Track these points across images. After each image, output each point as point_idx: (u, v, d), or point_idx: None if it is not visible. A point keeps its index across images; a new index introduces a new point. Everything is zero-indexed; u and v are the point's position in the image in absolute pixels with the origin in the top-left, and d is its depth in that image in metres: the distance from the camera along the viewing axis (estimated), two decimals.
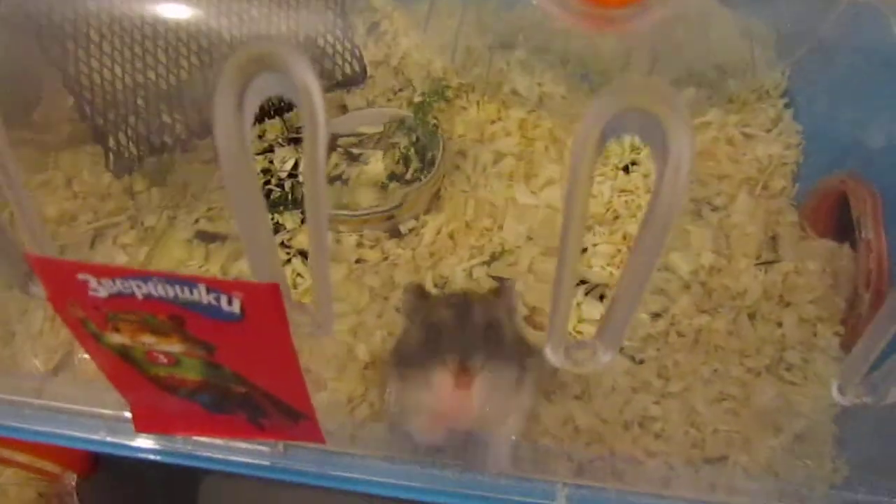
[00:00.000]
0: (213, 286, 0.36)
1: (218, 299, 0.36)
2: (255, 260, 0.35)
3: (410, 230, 0.83)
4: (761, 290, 0.76)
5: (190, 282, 0.36)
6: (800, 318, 0.74)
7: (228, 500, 0.81)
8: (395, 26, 1.03)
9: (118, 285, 0.37)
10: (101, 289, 0.37)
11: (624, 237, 0.80)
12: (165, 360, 0.43)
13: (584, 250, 0.80)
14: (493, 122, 0.93)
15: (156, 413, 0.49)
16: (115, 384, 0.46)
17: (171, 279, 0.36)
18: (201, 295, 0.36)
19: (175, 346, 0.41)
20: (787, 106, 0.92)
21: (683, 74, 0.94)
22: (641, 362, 0.72)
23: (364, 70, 0.90)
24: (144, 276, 0.36)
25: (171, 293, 0.37)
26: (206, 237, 0.82)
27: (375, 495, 0.54)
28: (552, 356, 0.37)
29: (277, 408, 0.46)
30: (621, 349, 0.72)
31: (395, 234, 0.83)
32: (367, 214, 0.81)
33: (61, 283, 0.37)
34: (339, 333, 0.74)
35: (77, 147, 0.91)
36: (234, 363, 0.42)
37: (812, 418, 0.68)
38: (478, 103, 0.94)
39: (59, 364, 0.68)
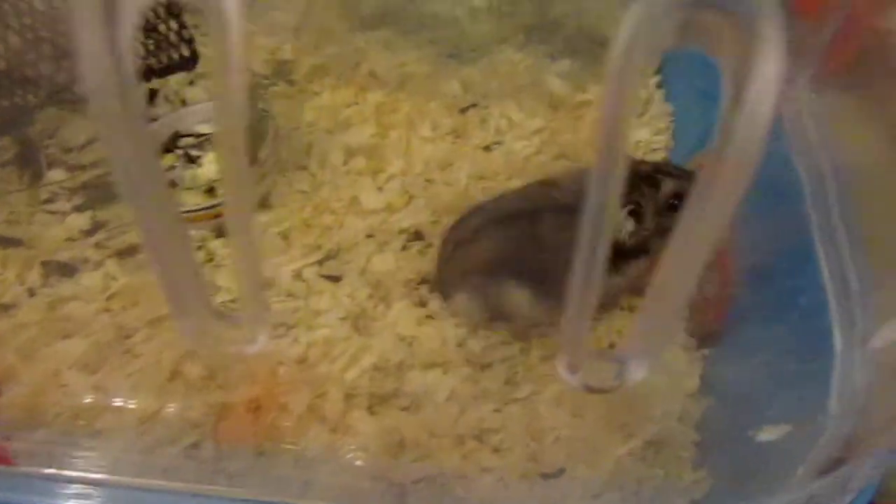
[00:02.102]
0: None
1: None
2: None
3: None
4: None
5: None
6: None
7: None
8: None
9: None
10: None
11: None
12: None
13: None
14: (348, 106, 0.84)
15: None
16: None
17: None
18: None
19: None
20: (658, 86, 0.84)
21: (559, 46, 0.88)
22: (485, 368, 0.64)
23: (194, 53, 0.81)
24: None
25: None
26: (3, 241, 0.73)
27: None
28: (567, 375, 0.28)
29: None
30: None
31: (223, 233, 0.74)
32: (191, 212, 0.73)
33: None
34: (141, 345, 0.65)
35: None
36: None
37: (667, 423, 0.60)
38: (332, 87, 0.86)
39: None
